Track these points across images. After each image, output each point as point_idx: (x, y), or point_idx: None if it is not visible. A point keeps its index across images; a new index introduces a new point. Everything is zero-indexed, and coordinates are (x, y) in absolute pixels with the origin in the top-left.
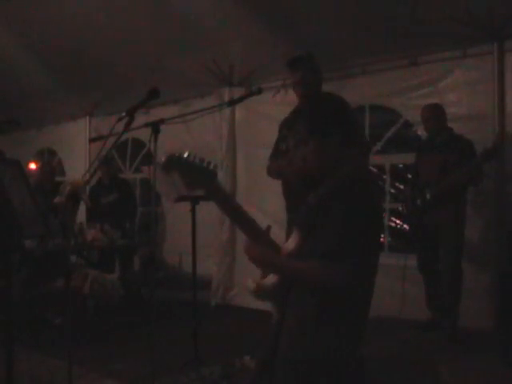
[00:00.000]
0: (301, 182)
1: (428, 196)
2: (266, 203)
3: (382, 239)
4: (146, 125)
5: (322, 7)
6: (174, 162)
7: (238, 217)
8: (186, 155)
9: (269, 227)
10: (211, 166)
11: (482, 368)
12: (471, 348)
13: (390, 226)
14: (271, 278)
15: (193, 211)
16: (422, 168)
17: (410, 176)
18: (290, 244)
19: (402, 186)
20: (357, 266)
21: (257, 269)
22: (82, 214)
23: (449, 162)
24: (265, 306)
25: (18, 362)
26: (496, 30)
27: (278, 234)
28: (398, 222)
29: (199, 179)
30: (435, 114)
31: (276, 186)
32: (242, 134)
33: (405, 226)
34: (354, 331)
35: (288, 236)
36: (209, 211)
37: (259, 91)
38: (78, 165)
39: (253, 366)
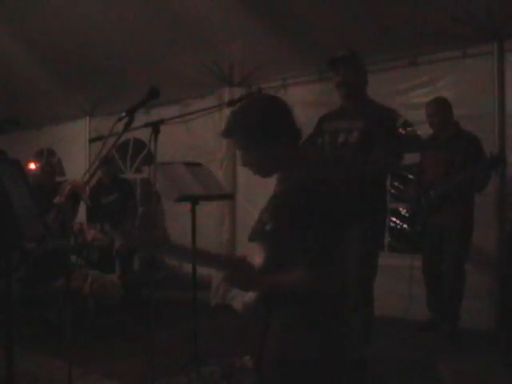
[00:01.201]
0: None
1: (433, 196)
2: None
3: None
4: (146, 125)
5: (322, 8)
6: (129, 244)
7: (206, 259)
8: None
9: (244, 256)
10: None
11: (482, 368)
12: (471, 348)
13: (390, 226)
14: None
15: (193, 211)
16: (426, 167)
17: (412, 176)
18: (257, 259)
19: (401, 187)
20: (335, 265)
21: None
22: (82, 214)
23: (454, 161)
24: None
25: (17, 361)
26: (496, 30)
27: None
28: (398, 222)
29: (155, 247)
30: (440, 109)
31: None
32: None
33: (404, 226)
34: (337, 328)
35: None
36: (209, 211)
37: (259, 91)
38: (77, 165)
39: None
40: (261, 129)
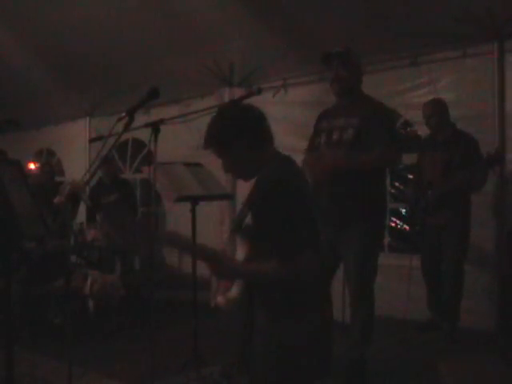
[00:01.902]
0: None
1: (431, 197)
2: None
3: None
4: (146, 125)
5: (322, 7)
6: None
7: (193, 249)
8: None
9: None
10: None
11: (482, 368)
12: (471, 348)
13: (390, 226)
14: (235, 287)
15: (193, 211)
16: (424, 167)
17: (411, 176)
18: (240, 254)
19: (401, 187)
20: (308, 256)
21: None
22: (81, 214)
23: (452, 161)
24: None
25: (18, 362)
26: (496, 30)
27: None
28: (398, 222)
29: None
30: (438, 110)
31: None
32: None
33: (405, 226)
34: (320, 313)
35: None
36: (209, 211)
37: (259, 91)
38: (77, 165)
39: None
40: (236, 136)
